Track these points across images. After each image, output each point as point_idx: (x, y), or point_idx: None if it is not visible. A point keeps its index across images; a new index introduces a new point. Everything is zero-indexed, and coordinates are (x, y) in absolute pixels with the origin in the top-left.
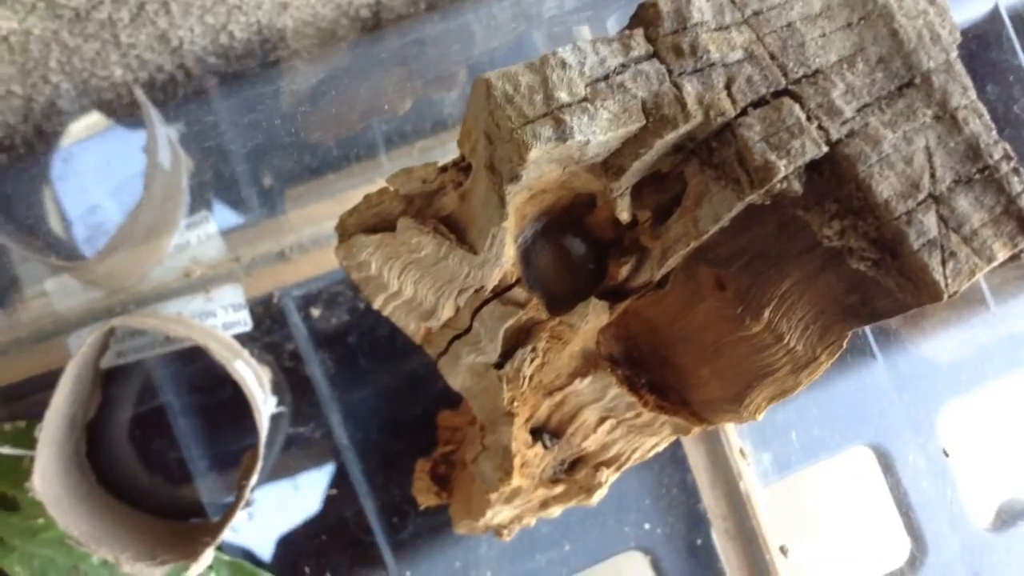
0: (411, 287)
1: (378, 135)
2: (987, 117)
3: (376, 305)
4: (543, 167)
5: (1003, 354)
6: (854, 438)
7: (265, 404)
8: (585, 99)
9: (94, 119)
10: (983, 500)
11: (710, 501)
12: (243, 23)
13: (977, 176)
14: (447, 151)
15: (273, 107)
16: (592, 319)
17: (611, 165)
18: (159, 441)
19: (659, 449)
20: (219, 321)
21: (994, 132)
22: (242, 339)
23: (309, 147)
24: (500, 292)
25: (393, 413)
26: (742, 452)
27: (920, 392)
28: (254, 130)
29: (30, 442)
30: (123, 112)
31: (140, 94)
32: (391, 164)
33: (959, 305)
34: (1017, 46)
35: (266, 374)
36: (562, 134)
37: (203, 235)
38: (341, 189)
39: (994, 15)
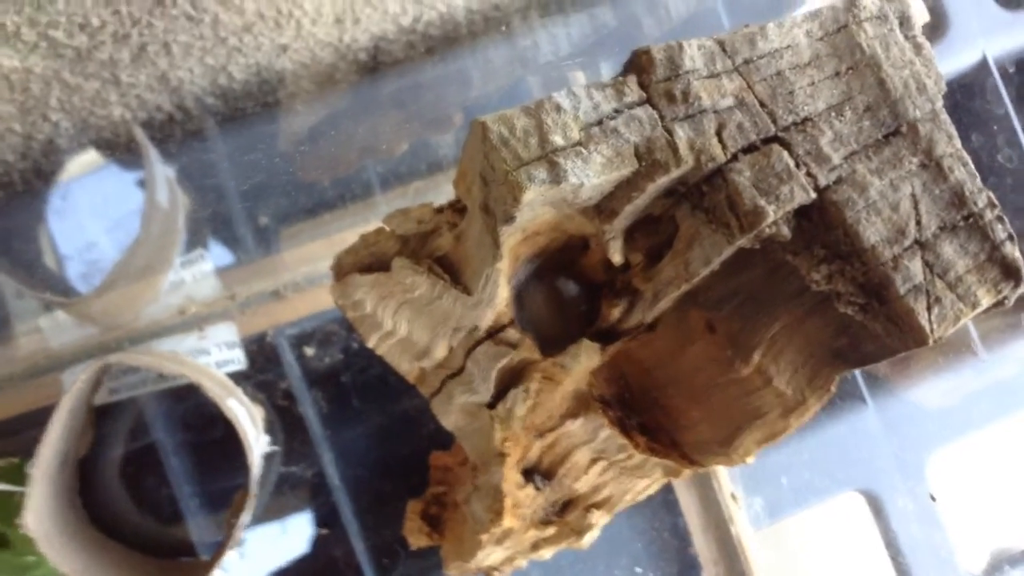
0: (405, 326)
1: (373, 176)
2: (971, 165)
3: (370, 344)
4: (537, 209)
5: (992, 401)
6: (845, 483)
7: (257, 443)
8: (579, 143)
9: (92, 156)
10: (973, 546)
11: (701, 545)
12: (242, 64)
13: (962, 223)
14: (442, 192)
15: (270, 147)
16: (584, 360)
17: (604, 208)
18: (151, 479)
19: (651, 491)
20: (213, 359)
21: (978, 180)
22: (236, 377)
23: (305, 187)
24: (493, 333)
25: (385, 453)
26: (733, 496)
27: (910, 438)
28: (251, 169)
29: (22, 478)
30: (121, 150)
31: (140, 134)
32: (387, 204)
33: (948, 352)
34: (1004, 96)
35: (259, 413)
36: (556, 177)
37: (198, 273)
38: (337, 229)
39: (982, 65)
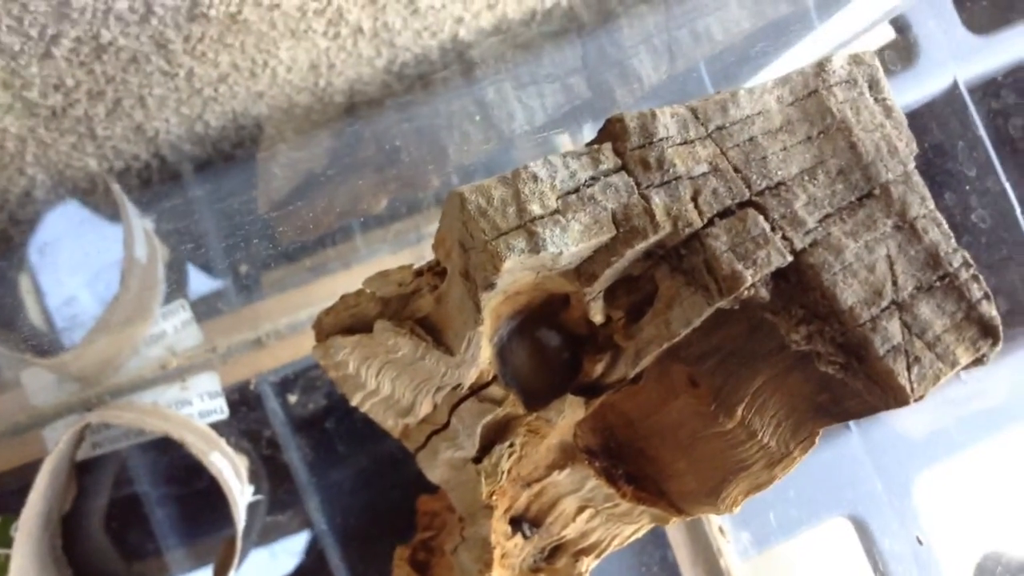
0: (389, 385)
1: (354, 221)
2: (945, 225)
3: (354, 402)
4: (517, 274)
5: (975, 424)
6: (832, 509)
7: (242, 495)
8: (557, 211)
9: (69, 210)
10: (961, 567)
11: None
12: (218, 112)
13: (938, 283)
14: (422, 235)
15: (249, 193)
16: (568, 414)
17: (584, 271)
18: (136, 532)
19: (638, 536)
20: (195, 409)
21: (953, 240)
22: (219, 427)
23: (278, 231)
24: (477, 389)
25: (372, 498)
26: (721, 530)
27: (895, 462)
28: (230, 216)
29: (6, 540)
30: (99, 201)
31: (116, 189)
32: (367, 248)
33: None
34: (976, 120)
35: (243, 463)
36: (535, 246)
37: (178, 323)
38: (318, 274)
39: (953, 90)
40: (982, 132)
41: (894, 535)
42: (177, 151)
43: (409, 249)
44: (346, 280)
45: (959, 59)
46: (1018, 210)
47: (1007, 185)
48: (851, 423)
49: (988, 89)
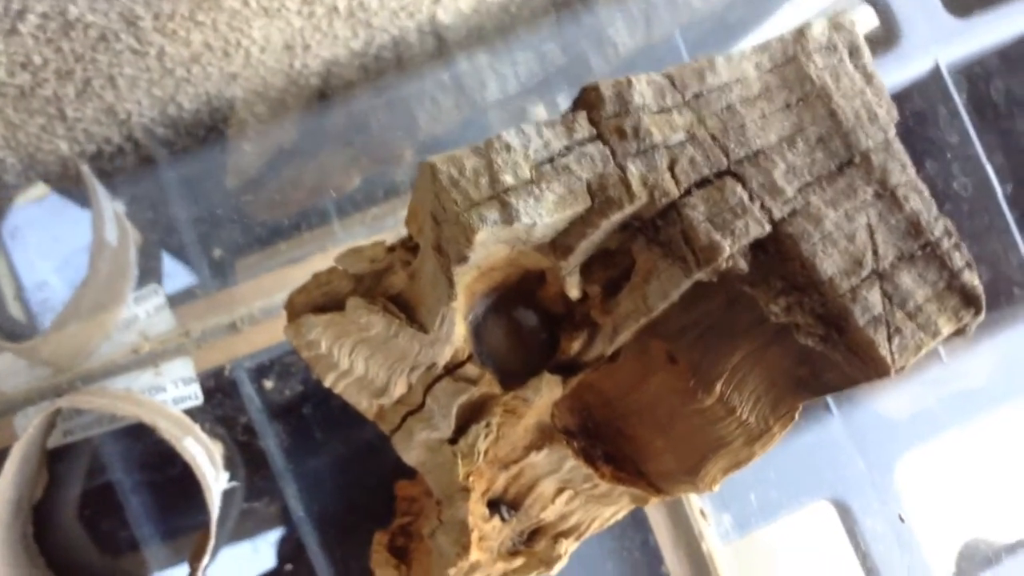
0: (362, 365)
1: (330, 204)
2: (927, 193)
3: (327, 383)
4: (490, 248)
5: (957, 406)
6: (814, 493)
7: (217, 481)
8: (531, 181)
9: (39, 191)
10: (943, 549)
11: (673, 563)
12: (191, 94)
13: (919, 252)
14: (399, 218)
15: (222, 177)
16: (546, 393)
17: (559, 245)
18: (109, 520)
19: (618, 517)
20: (169, 396)
21: (935, 208)
22: (193, 413)
23: (248, 210)
24: (452, 369)
25: (350, 483)
26: (703, 513)
27: (877, 445)
28: (203, 200)
29: None
30: (70, 184)
31: (86, 171)
32: (344, 232)
33: None
34: (958, 102)
35: (218, 449)
36: (508, 217)
37: (151, 308)
38: (294, 259)
39: (935, 72)
40: (964, 114)
41: (876, 517)
42: (150, 134)
43: (387, 233)
44: (322, 263)
45: (940, 42)
46: (999, 191)
47: (988, 168)
48: (833, 406)
49: (970, 71)
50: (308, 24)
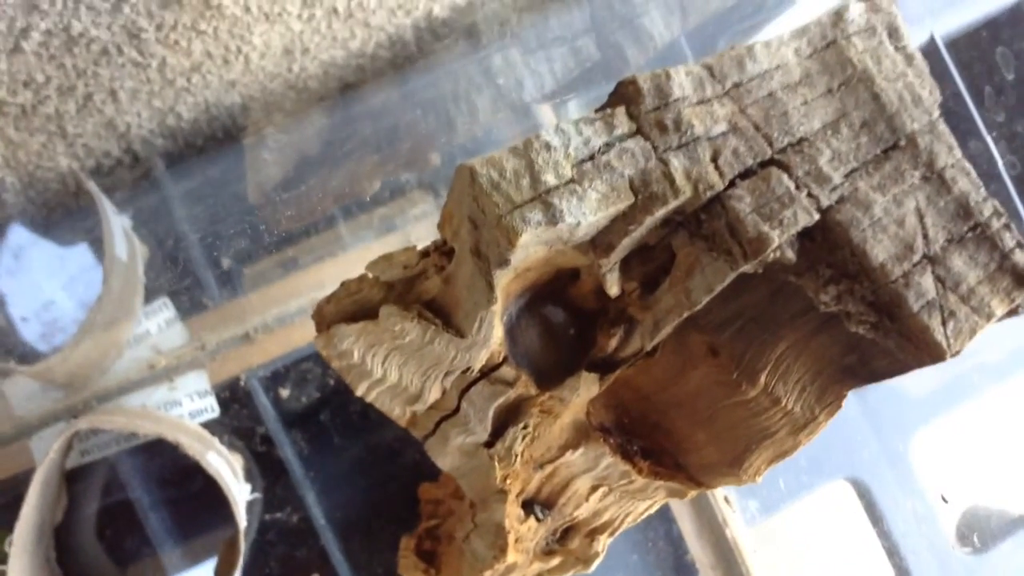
0: (396, 372)
1: (336, 207)
2: (974, 175)
3: (359, 392)
4: (531, 249)
5: (969, 381)
6: (832, 473)
7: (241, 494)
8: (572, 180)
9: (40, 212)
10: (961, 523)
11: (697, 551)
12: (191, 103)
13: (969, 234)
14: (407, 219)
15: (224, 185)
16: (583, 392)
17: (600, 243)
18: (130, 538)
19: (652, 511)
20: (185, 410)
21: (983, 189)
22: (210, 426)
23: (267, 220)
24: (487, 372)
25: (371, 488)
26: (727, 500)
27: (892, 422)
28: (207, 210)
29: (0, 555)
30: (70, 201)
31: (93, 187)
32: (350, 236)
33: None
34: (955, 74)
35: (238, 461)
36: (552, 217)
37: (162, 322)
38: (302, 265)
39: (930, 45)
40: (961, 85)
41: (894, 494)
42: (149, 146)
43: (395, 233)
44: (333, 268)
45: (935, 14)
46: (1000, 162)
47: (988, 138)
48: None
49: (965, 42)
50: (308, 27)
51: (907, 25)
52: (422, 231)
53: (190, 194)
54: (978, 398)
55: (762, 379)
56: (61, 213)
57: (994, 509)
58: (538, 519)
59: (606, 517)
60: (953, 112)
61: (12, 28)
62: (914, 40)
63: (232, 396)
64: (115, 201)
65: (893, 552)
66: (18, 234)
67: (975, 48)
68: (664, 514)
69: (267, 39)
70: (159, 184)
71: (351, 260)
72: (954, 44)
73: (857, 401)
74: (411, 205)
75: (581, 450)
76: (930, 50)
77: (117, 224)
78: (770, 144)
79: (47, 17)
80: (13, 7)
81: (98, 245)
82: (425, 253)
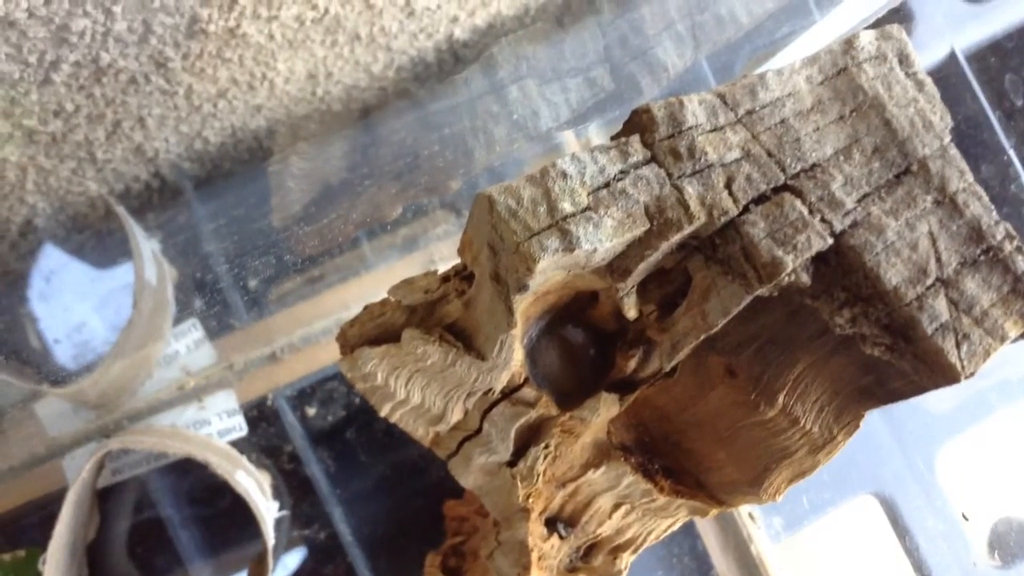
0: (419, 394)
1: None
2: (986, 199)
3: (383, 413)
4: (549, 274)
5: (992, 395)
6: (857, 488)
7: (269, 512)
8: (588, 208)
9: (71, 236)
10: (986, 536)
11: (722, 567)
12: (217, 128)
13: (982, 257)
14: (430, 238)
15: (252, 207)
16: (603, 412)
17: (616, 267)
18: (162, 556)
19: (675, 529)
20: (213, 429)
21: (994, 213)
22: (238, 444)
23: (290, 245)
24: (509, 393)
25: (397, 505)
26: (751, 516)
27: (917, 437)
28: (234, 232)
29: (31, 572)
30: (100, 225)
31: (122, 212)
32: (374, 255)
33: None
34: (976, 88)
35: (265, 479)
36: (569, 244)
37: (191, 343)
38: (327, 284)
39: (951, 58)
40: (982, 99)
41: (920, 509)
42: (177, 170)
43: (418, 253)
44: (357, 289)
45: (955, 28)
46: (1022, 175)
47: (1012, 152)
48: None
49: (986, 56)
50: (331, 53)
51: (927, 39)
52: (445, 250)
53: (217, 216)
54: (1002, 413)
55: (780, 400)
56: (91, 237)
57: (1021, 522)
58: (561, 537)
59: (629, 535)
60: (976, 125)
61: (43, 61)
62: (935, 55)
63: (260, 415)
64: (144, 225)
65: (919, 567)
66: (50, 257)
67: (997, 61)
68: (689, 530)
69: (291, 65)
70: (187, 207)
71: (375, 279)
72: (975, 57)
73: (881, 416)
74: (434, 225)
75: (603, 469)
76: (951, 64)
77: (146, 247)
78: (783, 170)
79: (76, 49)
80: (43, 40)
81: (128, 268)
82: (446, 278)
